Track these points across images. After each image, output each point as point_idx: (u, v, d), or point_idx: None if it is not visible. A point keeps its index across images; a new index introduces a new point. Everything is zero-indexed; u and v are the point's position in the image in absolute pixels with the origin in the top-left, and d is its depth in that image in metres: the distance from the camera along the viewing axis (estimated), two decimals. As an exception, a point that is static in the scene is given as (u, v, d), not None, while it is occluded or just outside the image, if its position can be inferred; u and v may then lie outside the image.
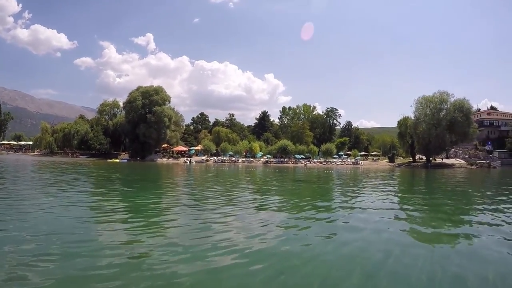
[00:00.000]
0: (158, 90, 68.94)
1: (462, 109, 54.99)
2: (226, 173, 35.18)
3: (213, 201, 12.46)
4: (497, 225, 8.74)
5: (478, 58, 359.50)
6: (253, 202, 12.43)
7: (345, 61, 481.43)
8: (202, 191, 16.57)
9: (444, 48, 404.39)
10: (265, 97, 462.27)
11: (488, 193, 18.46)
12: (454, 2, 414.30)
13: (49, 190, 14.35)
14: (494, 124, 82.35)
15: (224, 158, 67.50)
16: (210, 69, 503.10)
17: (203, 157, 67.21)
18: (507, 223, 8.94)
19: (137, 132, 65.35)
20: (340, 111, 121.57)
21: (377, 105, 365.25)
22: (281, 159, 66.86)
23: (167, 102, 70.00)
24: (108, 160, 59.16)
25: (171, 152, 71.65)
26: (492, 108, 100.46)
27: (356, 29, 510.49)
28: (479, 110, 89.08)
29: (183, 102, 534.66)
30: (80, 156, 70.32)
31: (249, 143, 76.47)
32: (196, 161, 61.56)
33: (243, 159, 67.18)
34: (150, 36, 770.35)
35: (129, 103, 68.36)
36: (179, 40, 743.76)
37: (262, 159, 67.78)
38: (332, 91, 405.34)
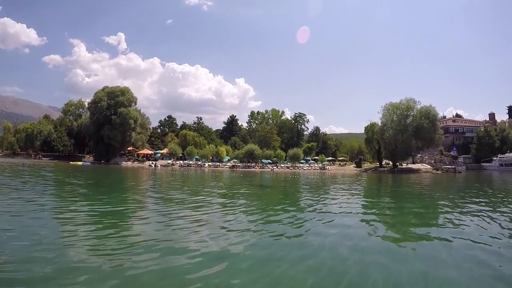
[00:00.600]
0: (124, 91, 66.38)
1: (428, 115, 55.97)
2: (192, 177, 34.17)
3: (178, 207, 11.87)
4: (463, 227, 8.94)
5: (445, 68, 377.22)
6: (218, 209, 11.76)
7: (316, 68, 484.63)
8: (167, 197, 15.79)
9: (412, 58, 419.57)
10: (235, 102, 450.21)
11: (455, 196, 18.88)
12: (422, 14, 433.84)
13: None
14: (459, 130, 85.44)
15: (190, 162, 65.99)
16: (181, 71, 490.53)
17: (169, 161, 65.62)
18: (475, 224, 9.24)
19: (101, 133, 62.76)
20: (309, 117, 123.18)
21: (346, 111, 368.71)
22: (248, 164, 66.03)
23: (133, 104, 67.43)
24: (71, 162, 56.78)
25: (136, 155, 69.48)
26: (458, 115, 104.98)
27: (327, 37, 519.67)
28: (445, 117, 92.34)
29: (152, 105, 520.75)
30: (42, 158, 68.27)
31: (216, 147, 75.46)
32: (161, 165, 59.99)
33: (210, 163, 65.87)
34: (121, 35, 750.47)
35: (94, 103, 65.57)
36: (151, 41, 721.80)
37: (228, 164, 66.70)
38: (302, 97, 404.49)
